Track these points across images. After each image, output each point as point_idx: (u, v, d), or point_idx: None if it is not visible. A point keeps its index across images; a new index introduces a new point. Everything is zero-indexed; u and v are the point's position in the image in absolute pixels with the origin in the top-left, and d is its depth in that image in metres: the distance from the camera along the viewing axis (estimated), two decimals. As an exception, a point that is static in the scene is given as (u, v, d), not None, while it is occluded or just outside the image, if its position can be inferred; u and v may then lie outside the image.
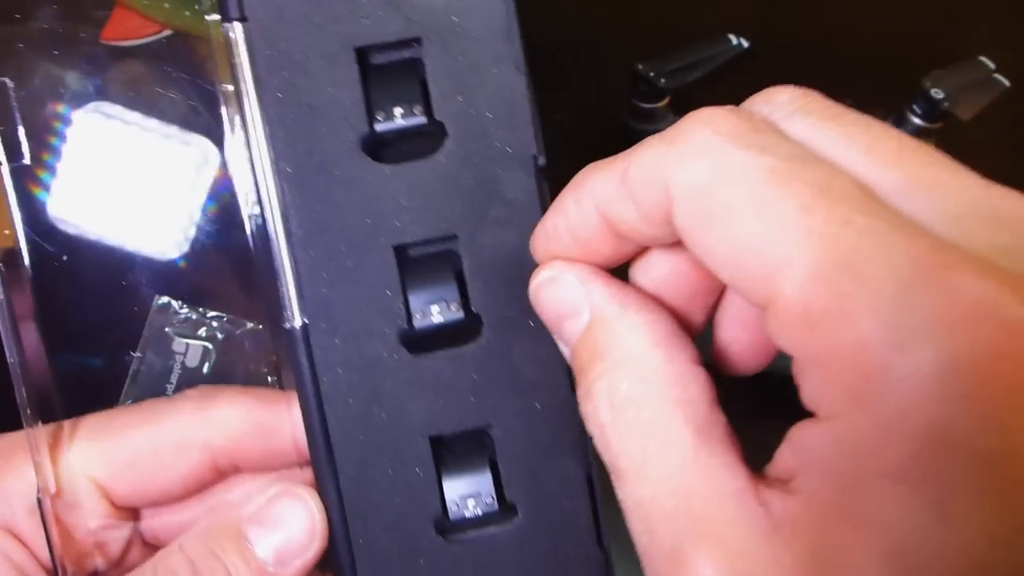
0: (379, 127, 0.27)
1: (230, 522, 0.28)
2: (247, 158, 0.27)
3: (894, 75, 0.57)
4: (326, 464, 0.27)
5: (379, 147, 0.27)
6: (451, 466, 0.27)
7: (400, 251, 0.27)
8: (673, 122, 0.59)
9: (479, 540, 0.27)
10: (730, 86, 0.55)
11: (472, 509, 0.27)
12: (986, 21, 0.66)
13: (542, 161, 0.27)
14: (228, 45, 0.26)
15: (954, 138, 0.56)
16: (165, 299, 0.50)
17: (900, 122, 0.55)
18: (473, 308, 0.27)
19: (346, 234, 0.26)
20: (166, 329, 0.50)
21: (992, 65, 0.55)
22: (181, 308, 0.50)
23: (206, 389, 0.31)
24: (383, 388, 0.27)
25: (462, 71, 0.27)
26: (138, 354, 0.48)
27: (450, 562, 0.27)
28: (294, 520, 0.28)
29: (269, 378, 0.48)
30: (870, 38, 0.64)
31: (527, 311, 0.25)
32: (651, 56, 0.57)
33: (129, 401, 0.47)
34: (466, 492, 0.27)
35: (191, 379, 0.48)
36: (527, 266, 0.24)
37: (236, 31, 0.26)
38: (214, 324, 0.50)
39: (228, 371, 0.49)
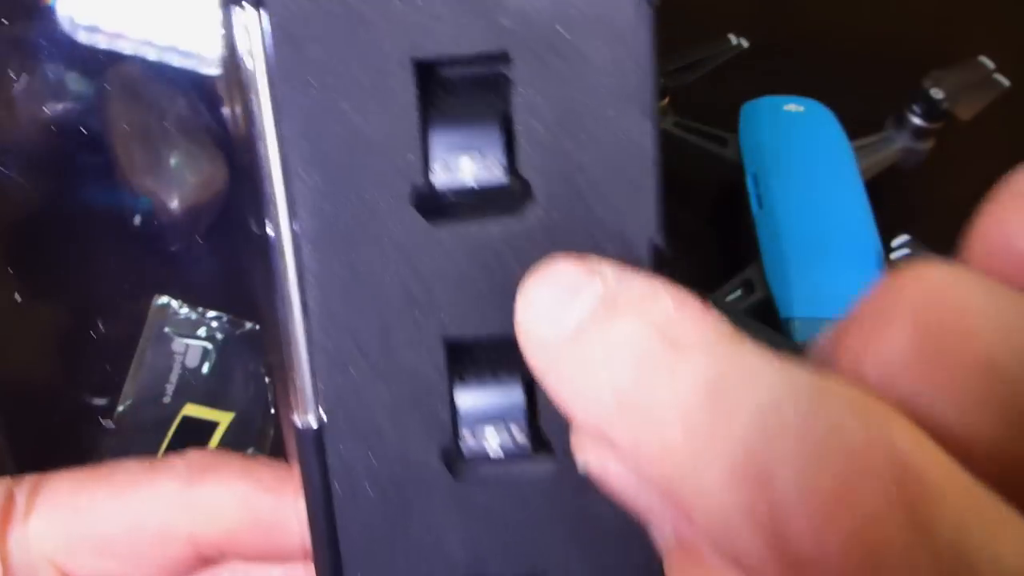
0: (438, 180, 0.20)
1: None
2: (257, 193, 0.20)
3: (894, 75, 0.57)
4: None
5: (436, 203, 0.20)
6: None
7: (453, 347, 0.20)
8: (673, 122, 0.59)
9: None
10: (730, 86, 0.55)
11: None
12: (986, 21, 0.66)
13: (660, 243, 0.20)
14: (234, 38, 0.19)
15: (954, 138, 0.56)
16: (165, 299, 0.50)
17: (900, 122, 0.55)
18: (542, 430, 0.21)
19: (382, 315, 0.20)
20: (166, 329, 0.50)
21: (992, 65, 0.55)
22: (181, 308, 0.50)
23: (196, 461, 0.25)
24: (414, 512, 0.21)
25: (565, 108, 0.19)
26: (137, 354, 0.49)
27: None
28: None
29: (267, 379, 0.48)
30: (870, 38, 0.64)
31: None
32: (651, 56, 0.57)
33: (129, 401, 0.47)
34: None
35: (191, 379, 0.48)
36: None
37: (247, 19, 0.19)
38: (214, 324, 0.50)
39: (228, 371, 0.49)
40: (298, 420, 0.21)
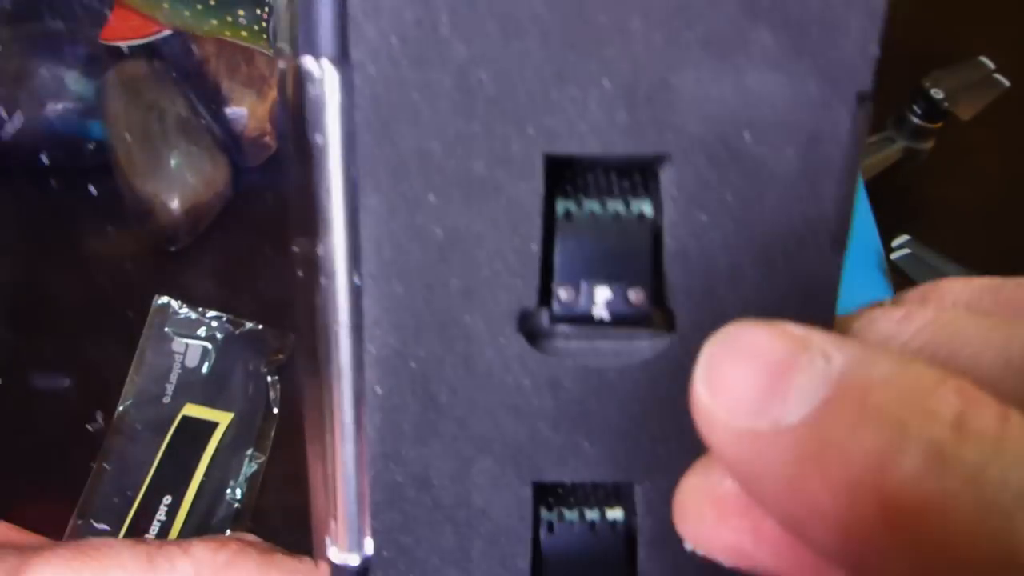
0: (562, 310, 0.16)
1: None
2: (313, 287, 0.16)
3: (894, 75, 0.57)
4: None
5: (549, 331, 0.16)
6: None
7: (543, 492, 0.17)
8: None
9: None
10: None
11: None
12: (986, 21, 0.66)
13: None
14: (303, 96, 0.14)
15: (954, 138, 0.56)
16: (165, 299, 0.50)
17: (900, 122, 0.55)
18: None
19: (461, 452, 0.17)
20: (166, 329, 0.50)
21: (992, 65, 0.55)
22: (181, 308, 0.50)
23: (206, 561, 0.21)
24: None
25: (732, 230, 0.15)
26: (137, 354, 0.48)
27: None
28: None
29: (269, 378, 0.48)
30: (870, 38, 0.64)
31: None
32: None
33: (129, 401, 0.47)
34: None
35: (191, 378, 0.48)
36: None
37: (326, 76, 0.14)
38: (214, 324, 0.50)
39: (227, 371, 0.49)
40: (335, 555, 0.17)
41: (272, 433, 0.47)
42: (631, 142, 0.15)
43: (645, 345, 0.16)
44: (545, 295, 0.16)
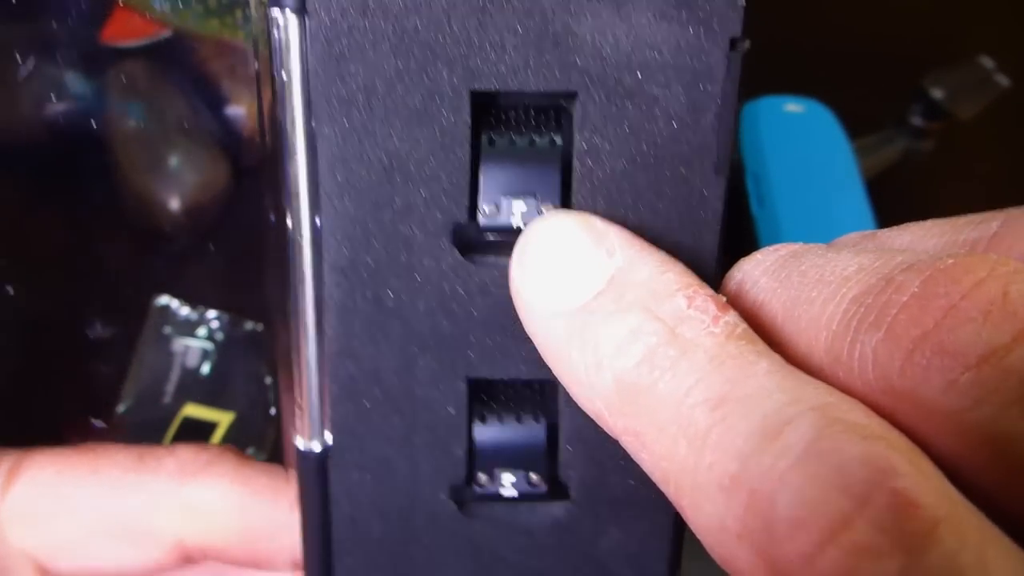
0: (487, 221, 0.18)
1: None
2: (280, 209, 0.19)
3: (894, 75, 0.57)
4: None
5: (477, 241, 0.19)
6: None
7: (476, 387, 0.20)
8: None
9: None
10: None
11: None
12: (986, 21, 0.66)
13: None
14: (270, 44, 0.17)
15: (954, 138, 0.56)
16: (165, 299, 0.50)
17: (900, 122, 0.55)
18: (561, 478, 0.20)
19: (404, 350, 0.19)
20: (166, 329, 0.50)
21: (992, 65, 0.55)
22: (181, 308, 0.50)
23: (189, 459, 0.23)
24: (418, 548, 0.20)
25: (630, 156, 0.18)
26: (137, 354, 0.48)
27: None
28: None
29: (267, 379, 0.48)
30: (870, 38, 0.64)
31: (634, 500, 0.19)
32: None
33: (129, 401, 0.47)
34: None
35: (191, 379, 0.48)
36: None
37: (288, 23, 0.17)
38: (214, 324, 0.50)
39: (228, 371, 0.49)
40: (300, 443, 0.20)
41: (273, 433, 0.47)
42: (542, 81, 0.18)
43: None
44: (473, 211, 0.18)
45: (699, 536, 0.14)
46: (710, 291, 0.15)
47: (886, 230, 0.17)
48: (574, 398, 0.17)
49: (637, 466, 0.17)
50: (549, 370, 0.18)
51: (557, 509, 0.20)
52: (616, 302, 0.15)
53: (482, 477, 0.20)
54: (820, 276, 0.15)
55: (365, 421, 0.20)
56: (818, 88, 0.53)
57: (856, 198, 0.48)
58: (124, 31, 0.54)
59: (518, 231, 0.18)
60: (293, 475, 0.21)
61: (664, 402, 0.14)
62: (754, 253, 0.17)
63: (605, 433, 0.17)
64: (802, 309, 0.15)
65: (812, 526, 0.12)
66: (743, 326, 0.15)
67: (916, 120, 0.54)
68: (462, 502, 0.20)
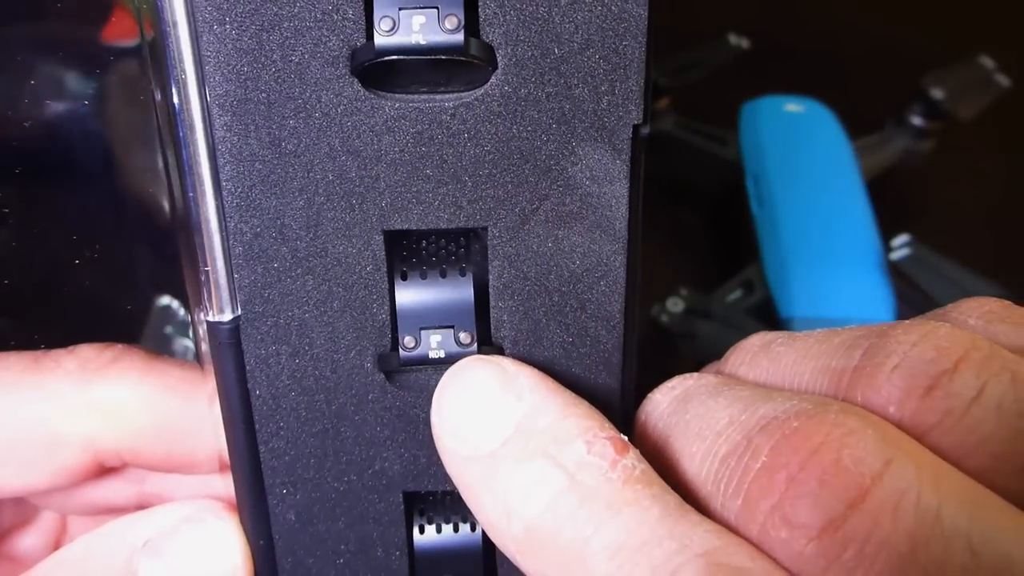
0: (383, 41, 0.16)
1: (117, 552, 0.20)
2: (160, 48, 0.17)
3: (894, 75, 0.57)
4: (253, 504, 0.20)
5: (380, 71, 0.17)
6: (428, 532, 0.20)
7: (394, 239, 0.18)
8: (674, 122, 0.59)
9: None
10: (730, 86, 0.56)
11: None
12: (986, 21, 0.66)
13: (645, 132, 0.17)
14: None
15: (954, 138, 0.56)
16: (166, 300, 0.50)
17: (900, 122, 0.55)
18: (495, 342, 0.19)
19: (310, 199, 0.17)
20: (167, 330, 0.50)
21: (992, 65, 0.55)
22: (181, 308, 0.50)
23: (91, 357, 0.22)
24: (344, 420, 0.19)
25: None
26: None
27: None
28: (206, 560, 0.20)
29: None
30: (870, 38, 0.64)
31: (578, 353, 0.19)
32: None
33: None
34: (445, 567, 0.20)
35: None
36: (589, 290, 0.18)
37: None
38: (214, 324, 0.50)
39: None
40: (211, 315, 0.18)
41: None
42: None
43: (470, 91, 0.17)
44: (370, 31, 0.16)
45: None
46: (610, 432, 0.16)
47: (779, 342, 0.18)
48: (493, 540, 0.17)
49: (572, 321, 0.18)
50: (472, 218, 0.17)
51: None
52: (522, 449, 0.16)
53: (408, 340, 0.18)
54: (700, 430, 0.16)
55: (276, 285, 0.18)
56: (818, 88, 0.53)
57: (856, 198, 0.48)
58: (124, 31, 0.54)
59: (423, 51, 0.16)
60: (209, 368, 0.19)
61: (567, 549, 0.15)
62: (653, 392, 0.18)
63: (538, 285, 0.18)
64: (687, 463, 0.16)
65: None
66: (641, 467, 0.16)
67: (916, 120, 0.54)
68: (390, 371, 0.19)
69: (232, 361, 0.18)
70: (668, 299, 0.47)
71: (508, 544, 0.16)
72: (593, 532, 0.15)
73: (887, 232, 0.48)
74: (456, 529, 0.20)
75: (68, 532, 0.25)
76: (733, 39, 0.59)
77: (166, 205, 0.19)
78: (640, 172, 0.18)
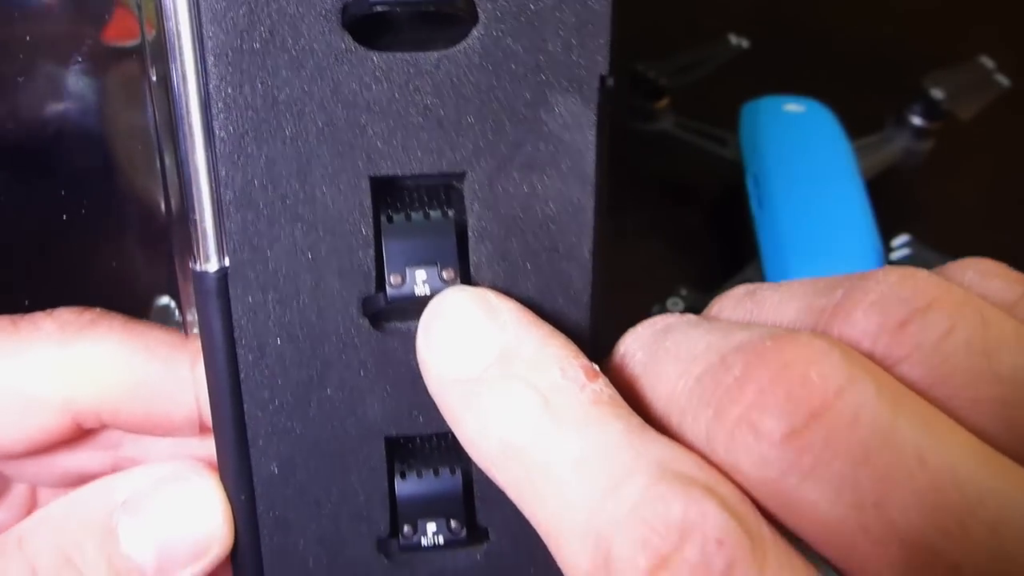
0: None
1: (96, 510, 0.20)
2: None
3: (894, 75, 0.57)
4: (235, 458, 0.20)
5: (368, 23, 0.18)
6: (410, 478, 0.21)
7: (379, 184, 0.19)
8: (673, 122, 0.59)
9: (434, 564, 0.21)
10: (730, 86, 0.56)
11: (431, 536, 0.20)
12: (986, 21, 0.66)
13: (611, 83, 0.19)
14: None
15: (954, 138, 0.56)
16: (166, 299, 0.50)
17: (900, 122, 0.55)
18: (473, 278, 0.20)
19: (300, 147, 0.18)
20: (166, 329, 0.50)
21: (992, 65, 0.55)
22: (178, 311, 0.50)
23: (70, 320, 0.22)
24: (329, 367, 0.19)
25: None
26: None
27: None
28: (186, 517, 0.20)
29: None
30: (870, 38, 0.64)
31: (551, 291, 0.20)
32: (651, 56, 0.57)
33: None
34: (426, 512, 0.21)
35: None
36: (561, 232, 0.19)
37: None
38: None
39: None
40: (199, 264, 0.19)
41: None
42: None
43: (451, 44, 0.18)
44: None
45: None
46: (583, 362, 0.18)
47: (765, 288, 0.19)
48: (470, 455, 0.18)
49: (546, 261, 0.20)
50: (453, 163, 0.19)
51: None
52: (502, 374, 0.17)
53: (394, 278, 0.19)
54: (677, 354, 0.17)
55: (264, 232, 0.19)
56: (818, 88, 0.53)
57: (856, 198, 0.48)
58: (124, 31, 0.54)
59: (408, 2, 0.18)
60: (194, 335, 0.20)
61: (537, 462, 0.16)
62: (636, 326, 0.19)
63: (514, 228, 0.19)
64: (662, 385, 0.17)
65: (640, 563, 0.14)
66: (608, 392, 0.17)
67: (916, 120, 0.54)
68: (376, 313, 0.19)
69: (219, 310, 0.19)
70: (668, 299, 0.47)
71: (484, 460, 0.18)
72: (559, 445, 0.16)
73: (887, 232, 0.48)
74: (437, 474, 0.21)
75: (39, 506, 0.25)
76: (733, 39, 0.59)
77: (157, 169, 0.20)
78: (606, 121, 0.19)
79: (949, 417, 0.15)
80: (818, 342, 0.15)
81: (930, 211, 0.55)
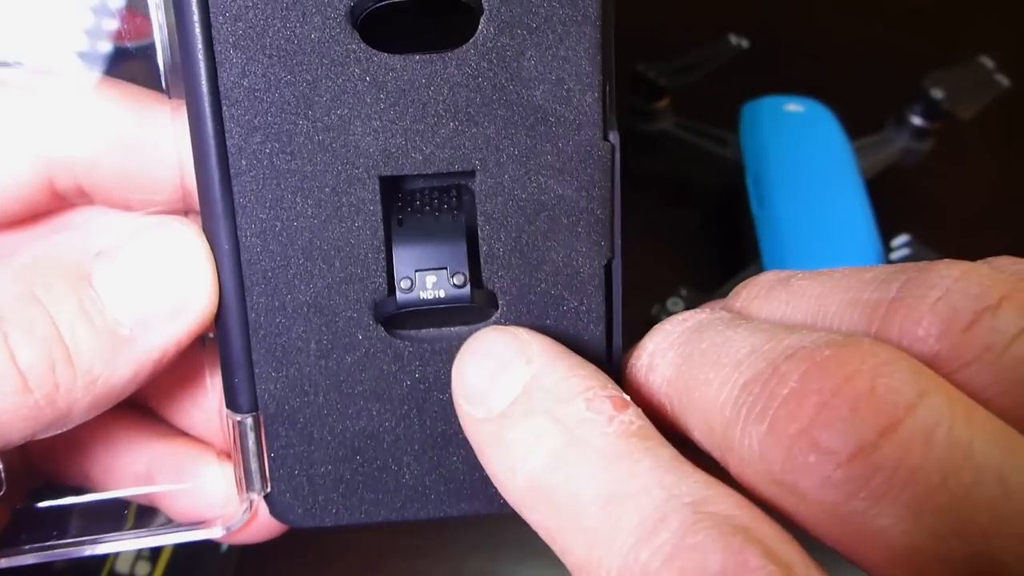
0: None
1: (68, 255, 0.19)
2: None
3: (894, 75, 0.57)
4: (220, 199, 0.19)
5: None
6: (408, 227, 0.20)
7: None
8: (674, 122, 0.59)
9: (435, 342, 0.20)
10: (730, 86, 0.56)
11: (432, 289, 0.19)
12: (986, 21, 0.66)
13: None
14: None
15: (954, 138, 0.56)
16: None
17: (900, 122, 0.55)
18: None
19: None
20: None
21: (992, 65, 0.55)
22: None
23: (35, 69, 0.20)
24: (319, 92, 0.19)
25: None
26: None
27: (390, 366, 0.20)
28: (168, 266, 0.19)
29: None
30: (870, 38, 0.64)
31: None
32: (651, 56, 0.57)
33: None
34: (425, 263, 0.19)
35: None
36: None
37: None
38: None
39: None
40: None
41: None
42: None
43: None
44: None
45: None
46: (612, 391, 0.17)
47: (800, 276, 0.18)
48: (501, 495, 0.18)
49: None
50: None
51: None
52: (526, 408, 0.17)
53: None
54: (717, 357, 0.16)
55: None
56: (818, 88, 0.53)
57: (856, 198, 0.48)
58: (126, 31, 0.54)
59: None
60: (178, 96, 0.19)
61: (564, 501, 0.16)
62: (663, 323, 0.18)
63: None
64: (700, 391, 0.16)
65: None
66: (639, 423, 0.16)
67: (916, 120, 0.54)
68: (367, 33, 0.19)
69: (202, 27, 0.18)
70: (668, 299, 0.47)
71: (513, 497, 0.17)
72: (586, 483, 0.15)
73: (887, 232, 0.48)
74: (437, 219, 0.20)
75: None
76: (733, 39, 0.59)
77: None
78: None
79: (1017, 431, 0.14)
80: (884, 351, 0.14)
81: (930, 211, 0.55)
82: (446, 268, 0.19)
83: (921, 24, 0.65)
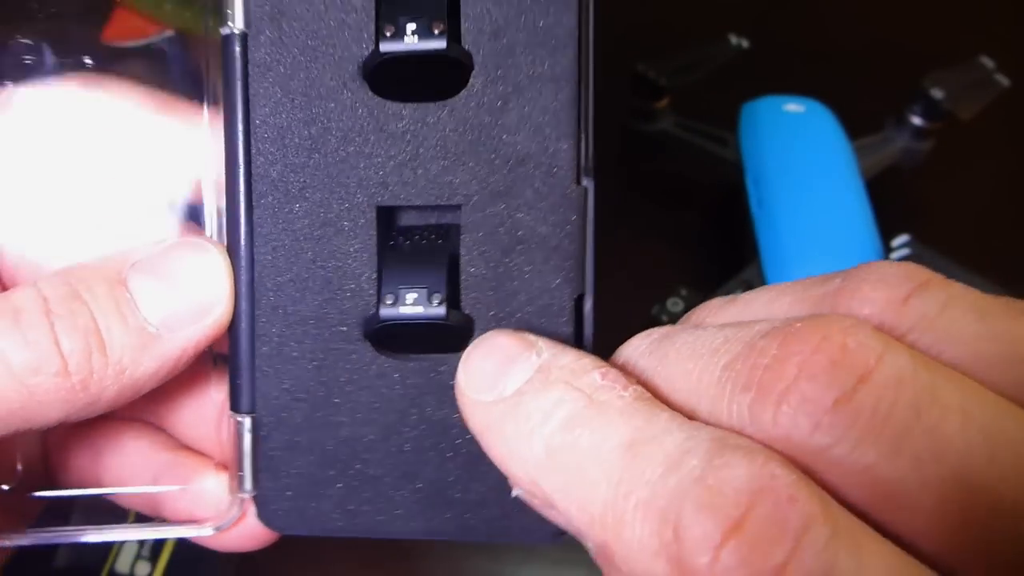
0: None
1: (109, 263, 0.22)
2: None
3: (894, 75, 0.57)
4: (243, 219, 0.22)
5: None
6: (398, 251, 0.22)
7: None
8: (674, 122, 0.59)
9: (420, 361, 0.22)
10: (730, 86, 0.56)
11: (412, 305, 0.22)
12: (986, 21, 0.66)
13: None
14: None
15: (954, 138, 0.56)
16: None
17: (900, 122, 0.55)
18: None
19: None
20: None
21: (992, 65, 0.55)
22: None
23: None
24: (331, 131, 0.22)
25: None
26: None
27: (375, 381, 0.22)
28: (193, 277, 0.22)
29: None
30: (870, 38, 0.64)
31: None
32: (651, 56, 0.57)
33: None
34: (409, 282, 0.22)
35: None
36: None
37: None
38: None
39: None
40: (226, 28, 0.22)
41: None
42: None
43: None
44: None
45: (623, 568, 0.16)
46: (618, 372, 0.18)
47: (745, 294, 0.20)
48: (508, 473, 0.19)
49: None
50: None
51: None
52: (543, 381, 0.18)
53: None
54: (692, 351, 0.18)
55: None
56: (818, 88, 0.53)
57: (856, 198, 0.48)
58: (125, 31, 0.54)
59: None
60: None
61: (586, 453, 0.17)
62: (631, 339, 0.20)
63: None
64: (681, 381, 0.18)
65: (713, 531, 0.14)
66: (648, 394, 0.18)
67: (916, 120, 0.54)
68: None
69: (241, 69, 0.22)
70: (668, 299, 0.47)
71: (527, 465, 0.18)
72: (609, 434, 0.17)
73: (887, 232, 0.48)
74: (424, 241, 0.22)
75: None
76: (733, 39, 0.59)
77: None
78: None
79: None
80: (847, 319, 0.16)
81: (930, 211, 0.55)
82: (427, 288, 0.21)
83: (921, 24, 0.65)
